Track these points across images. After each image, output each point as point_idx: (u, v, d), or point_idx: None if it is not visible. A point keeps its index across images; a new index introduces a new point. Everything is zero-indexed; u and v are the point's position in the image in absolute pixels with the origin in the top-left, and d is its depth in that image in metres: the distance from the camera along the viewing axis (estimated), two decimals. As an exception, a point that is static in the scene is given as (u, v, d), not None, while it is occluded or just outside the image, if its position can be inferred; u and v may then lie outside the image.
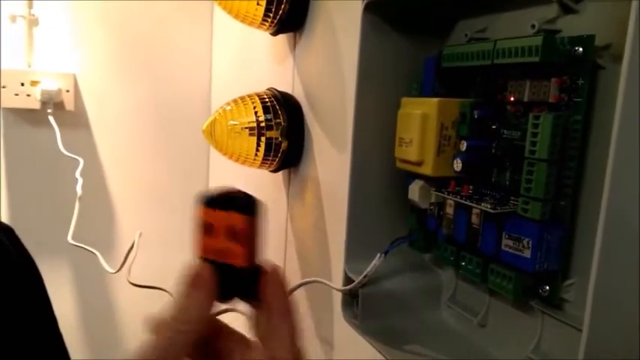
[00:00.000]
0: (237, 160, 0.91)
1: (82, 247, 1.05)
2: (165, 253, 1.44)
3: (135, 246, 0.94)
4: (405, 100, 0.57)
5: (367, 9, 0.57)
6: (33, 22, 1.25)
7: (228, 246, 0.36)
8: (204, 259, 0.37)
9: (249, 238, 0.36)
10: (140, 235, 0.96)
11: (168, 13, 1.37)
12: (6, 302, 0.62)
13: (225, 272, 0.36)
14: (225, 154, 0.91)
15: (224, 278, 0.36)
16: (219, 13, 1.00)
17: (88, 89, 1.32)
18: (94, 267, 1.05)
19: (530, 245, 0.45)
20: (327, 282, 0.64)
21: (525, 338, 0.51)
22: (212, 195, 0.37)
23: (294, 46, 0.93)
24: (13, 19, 1.23)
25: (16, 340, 0.63)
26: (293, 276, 0.94)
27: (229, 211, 0.36)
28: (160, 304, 1.13)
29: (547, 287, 0.47)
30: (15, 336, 0.62)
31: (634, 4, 0.33)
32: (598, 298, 0.37)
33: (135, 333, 1.45)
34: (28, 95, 1.23)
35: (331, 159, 0.81)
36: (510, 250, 0.47)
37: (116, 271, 0.96)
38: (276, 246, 1.00)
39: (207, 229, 0.37)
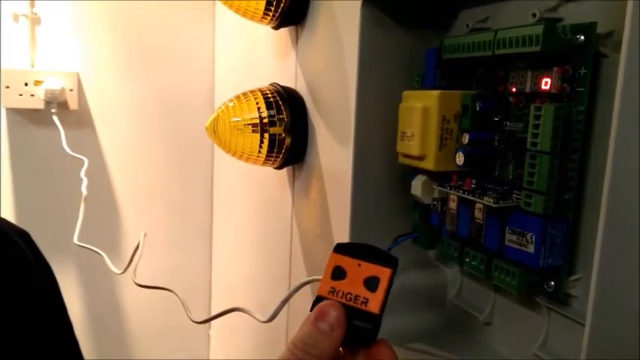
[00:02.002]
0: (240, 158, 0.90)
1: (87, 248, 1.04)
2: (170, 253, 1.44)
3: (140, 246, 0.93)
4: (406, 93, 0.56)
5: (366, 1, 0.56)
6: (35, 21, 1.24)
7: (365, 294, 0.38)
8: (326, 298, 0.39)
9: (387, 290, 0.38)
10: (145, 235, 0.95)
11: (170, 10, 1.36)
12: (23, 306, 0.62)
13: (353, 315, 0.37)
14: (228, 151, 0.90)
15: (350, 320, 0.37)
16: (221, 8, 1.00)
17: (92, 88, 1.31)
18: (100, 267, 1.04)
19: (533, 240, 0.44)
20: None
21: (532, 335, 0.50)
22: (347, 244, 0.41)
23: (296, 39, 0.92)
24: (16, 18, 1.23)
25: (33, 344, 0.62)
26: (299, 274, 0.93)
27: (375, 263, 0.39)
28: (166, 304, 1.12)
29: (552, 283, 0.46)
30: (32, 340, 0.62)
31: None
32: (601, 293, 0.36)
33: (142, 333, 1.45)
34: (32, 95, 1.22)
35: (335, 154, 0.80)
36: (514, 246, 0.46)
37: (122, 272, 0.96)
38: (281, 243, 1.00)
39: (336, 273, 0.39)
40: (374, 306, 0.37)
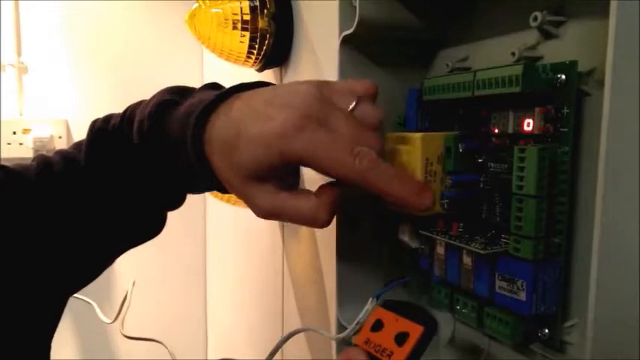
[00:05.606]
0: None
1: (78, 298, 1.02)
2: (162, 301, 1.41)
3: (129, 296, 0.92)
4: (388, 135, 0.55)
5: (344, 43, 0.55)
6: (22, 70, 1.24)
7: (392, 347, 0.39)
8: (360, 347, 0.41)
9: (415, 348, 0.38)
10: (134, 284, 0.93)
11: (158, 55, 1.36)
12: None
13: None
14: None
15: None
16: (209, 54, 0.99)
17: (81, 134, 1.29)
18: (91, 317, 1.02)
19: (524, 287, 0.42)
20: (319, 330, 0.61)
21: (529, 384, 0.48)
22: (397, 301, 0.43)
23: (280, 80, 0.91)
24: (3, 68, 1.23)
25: None
26: (292, 320, 0.91)
27: (410, 320, 0.40)
28: (158, 354, 1.10)
29: (546, 330, 0.44)
30: None
31: (611, 27, 0.31)
32: (597, 340, 0.35)
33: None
34: (20, 144, 1.22)
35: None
36: (505, 293, 0.44)
37: (112, 322, 0.94)
38: (273, 288, 0.97)
39: (375, 326, 0.41)
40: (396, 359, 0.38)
